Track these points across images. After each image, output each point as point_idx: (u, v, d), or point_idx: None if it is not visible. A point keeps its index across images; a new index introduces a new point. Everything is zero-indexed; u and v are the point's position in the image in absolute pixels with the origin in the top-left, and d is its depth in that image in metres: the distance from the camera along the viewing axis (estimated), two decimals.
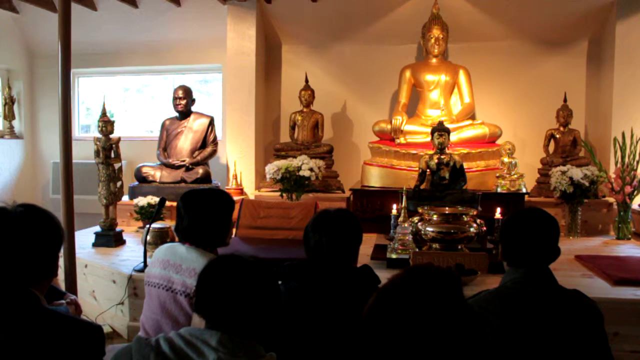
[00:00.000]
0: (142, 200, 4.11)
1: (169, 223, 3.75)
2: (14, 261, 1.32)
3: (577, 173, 4.18)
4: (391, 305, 0.89)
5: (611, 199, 4.36)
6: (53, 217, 1.42)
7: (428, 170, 4.06)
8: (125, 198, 4.38)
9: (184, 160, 4.83)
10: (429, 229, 3.13)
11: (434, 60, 5.13)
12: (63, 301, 1.93)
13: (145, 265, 2.89)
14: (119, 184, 3.75)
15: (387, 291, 0.91)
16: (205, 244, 1.91)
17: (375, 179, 4.81)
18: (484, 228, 3.20)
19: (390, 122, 4.92)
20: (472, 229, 3.11)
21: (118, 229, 3.79)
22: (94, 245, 3.67)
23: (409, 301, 0.88)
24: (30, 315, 1.29)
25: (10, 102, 5.73)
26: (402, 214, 3.24)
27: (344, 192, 4.93)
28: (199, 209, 1.91)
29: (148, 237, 3.02)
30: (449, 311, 0.88)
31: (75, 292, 2.66)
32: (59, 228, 1.43)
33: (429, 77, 5.12)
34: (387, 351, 0.88)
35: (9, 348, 1.24)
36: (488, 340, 0.92)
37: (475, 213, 3.26)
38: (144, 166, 4.79)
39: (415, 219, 3.27)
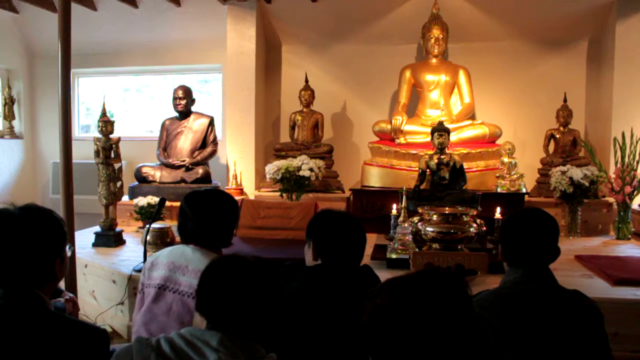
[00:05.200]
0: (142, 200, 4.11)
1: (169, 223, 3.75)
2: (16, 263, 1.32)
3: (577, 173, 4.18)
4: (403, 309, 0.89)
5: (611, 199, 4.36)
6: (56, 218, 1.42)
7: (428, 170, 4.06)
8: (125, 198, 4.38)
9: (184, 160, 4.83)
10: (429, 229, 3.13)
11: (434, 60, 5.13)
12: (61, 298, 1.93)
13: None
14: (119, 184, 3.75)
15: (398, 295, 0.91)
16: (210, 245, 1.91)
17: (375, 179, 4.81)
18: (484, 228, 3.19)
19: (390, 122, 4.92)
20: (472, 229, 3.11)
21: (118, 229, 3.79)
22: (94, 245, 3.67)
23: (421, 306, 0.88)
24: (36, 318, 1.29)
25: (10, 102, 5.73)
26: (402, 214, 3.25)
27: (344, 192, 4.93)
28: (206, 210, 1.92)
29: (148, 237, 3.02)
30: (458, 316, 0.89)
31: (75, 292, 2.67)
32: (62, 229, 1.42)
33: (429, 77, 5.12)
34: (393, 353, 0.89)
35: (14, 351, 1.23)
36: (489, 342, 0.92)
37: (475, 213, 3.26)
38: (144, 166, 4.79)
39: (415, 219, 3.27)
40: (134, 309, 1.96)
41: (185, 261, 1.84)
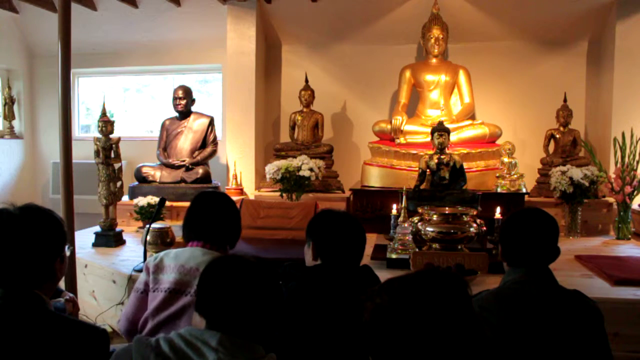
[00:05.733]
0: (142, 200, 4.11)
1: (169, 223, 3.74)
2: (17, 263, 1.32)
3: (577, 173, 4.18)
4: (403, 309, 0.89)
5: (611, 199, 4.36)
6: (56, 218, 1.42)
7: (428, 170, 4.06)
8: (125, 198, 4.38)
9: (183, 160, 4.82)
10: (429, 229, 3.12)
11: (434, 60, 5.13)
12: (61, 299, 1.93)
13: None
14: (119, 184, 3.74)
15: (399, 295, 0.91)
16: (219, 243, 1.93)
17: (375, 179, 4.81)
18: (484, 228, 3.19)
19: (390, 122, 4.92)
20: (472, 229, 3.10)
21: (118, 229, 3.79)
22: (94, 245, 3.67)
23: (422, 306, 0.88)
24: (35, 318, 1.29)
25: (10, 102, 5.73)
26: (402, 214, 3.24)
27: (344, 192, 4.93)
28: (221, 208, 1.96)
29: (148, 237, 3.02)
30: (458, 316, 0.89)
31: (75, 292, 2.67)
32: (62, 229, 1.42)
33: (429, 77, 5.12)
34: (392, 353, 0.89)
35: (14, 351, 1.23)
36: (488, 342, 0.93)
37: (475, 213, 3.26)
38: (144, 166, 4.78)
39: (415, 219, 3.27)
40: (128, 308, 1.92)
41: (196, 264, 1.82)
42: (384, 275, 1.42)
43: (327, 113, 5.37)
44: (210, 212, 1.95)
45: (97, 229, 3.76)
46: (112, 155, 3.71)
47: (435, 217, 3.16)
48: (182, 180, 4.69)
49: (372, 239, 3.77)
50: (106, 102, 3.96)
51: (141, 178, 4.71)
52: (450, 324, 0.87)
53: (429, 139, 4.31)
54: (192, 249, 1.89)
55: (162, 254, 1.94)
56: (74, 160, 2.77)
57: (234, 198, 4.76)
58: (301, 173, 4.36)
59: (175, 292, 1.82)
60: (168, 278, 1.85)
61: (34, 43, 5.80)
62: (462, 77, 5.11)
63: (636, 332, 2.51)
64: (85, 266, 3.33)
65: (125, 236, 3.84)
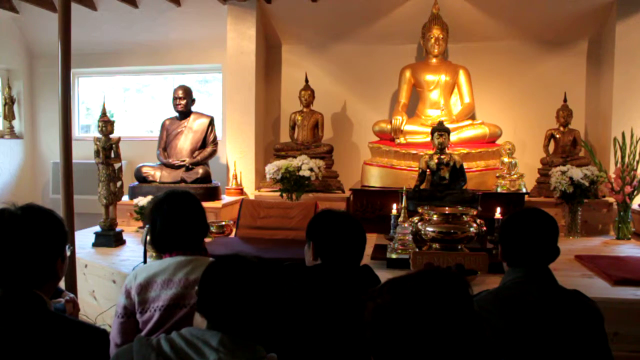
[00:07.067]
0: (142, 200, 4.11)
1: None
2: (18, 263, 1.32)
3: (577, 173, 4.18)
4: (405, 309, 0.89)
5: (611, 199, 4.36)
6: (57, 218, 1.42)
7: (428, 170, 4.06)
8: (125, 198, 4.38)
9: (183, 160, 4.82)
10: (429, 229, 3.12)
11: (434, 60, 5.13)
12: (61, 299, 1.93)
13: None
14: (119, 184, 3.74)
15: (400, 295, 0.91)
16: (198, 248, 1.88)
17: (375, 179, 4.81)
18: (484, 228, 3.19)
19: (390, 122, 4.92)
20: (472, 229, 3.10)
21: (118, 229, 3.79)
22: (94, 245, 3.67)
23: (423, 306, 0.88)
24: (35, 319, 1.29)
25: (10, 102, 5.73)
26: (402, 214, 3.24)
27: (344, 192, 4.93)
28: (191, 212, 1.88)
29: (148, 237, 3.01)
30: (460, 316, 0.89)
31: (75, 292, 2.66)
32: (63, 229, 1.42)
33: (429, 77, 5.12)
34: (394, 353, 0.89)
35: (14, 351, 1.23)
36: (490, 342, 0.92)
37: (475, 213, 3.26)
38: (144, 166, 4.78)
39: (415, 219, 3.27)
40: (116, 336, 1.80)
41: (184, 274, 1.77)
42: (384, 275, 1.42)
43: (327, 113, 5.37)
44: (182, 219, 1.85)
45: (97, 229, 3.76)
46: (112, 155, 3.71)
47: (435, 217, 3.16)
48: (182, 180, 4.69)
49: (372, 239, 3.77)
50: (106, 102, 3.95)
51: (141, 178, 4.71)
52: (452, 324, 0.88)
53: (429, 139, 4.31)
54: (175, 260, 1.81)
55: (140, 272, 1.83)
56: (74, 160, 2.77)
57: (234, 198, 4.79)
58: (301, 173, 4.36)
59: (171, 307, 1.75)
60: (159, 295, 1.76)
61: (34, 43, 5.80)
62: (462, 77, 5.11)
63: (636, 332, 2.51)
64: (85, 266, 3.33)
65: (125, 236, 3.84)
